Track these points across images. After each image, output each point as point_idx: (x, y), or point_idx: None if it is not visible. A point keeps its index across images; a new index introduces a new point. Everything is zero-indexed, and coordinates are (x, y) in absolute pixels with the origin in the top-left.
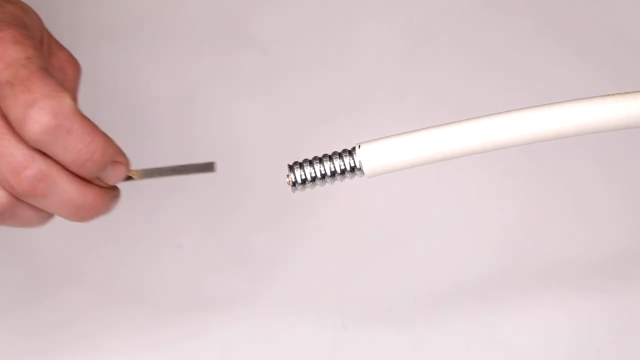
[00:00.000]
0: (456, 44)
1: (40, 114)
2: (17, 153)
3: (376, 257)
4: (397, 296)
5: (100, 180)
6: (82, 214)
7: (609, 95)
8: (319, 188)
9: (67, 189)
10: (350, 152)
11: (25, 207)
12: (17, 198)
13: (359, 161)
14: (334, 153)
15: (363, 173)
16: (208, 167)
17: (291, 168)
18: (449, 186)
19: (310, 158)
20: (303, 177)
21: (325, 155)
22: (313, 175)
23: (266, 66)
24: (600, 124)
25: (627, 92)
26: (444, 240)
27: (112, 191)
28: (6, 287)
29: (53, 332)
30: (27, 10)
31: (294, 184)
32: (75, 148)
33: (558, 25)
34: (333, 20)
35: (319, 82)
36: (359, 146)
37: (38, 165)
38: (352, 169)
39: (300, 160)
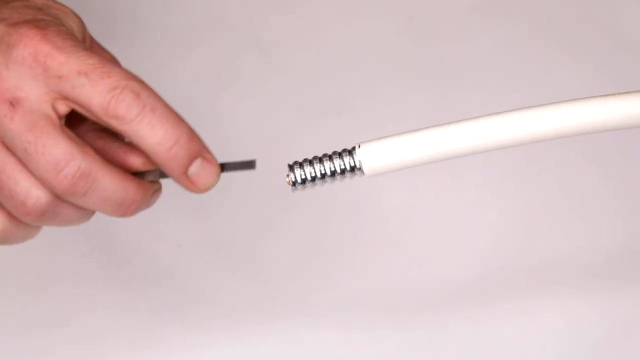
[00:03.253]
0: (456, 44)
1: (124, 93)
2: (56, 151)
3: (376, 257)
4: (397, 296)
5: (192, 182)
6: (124, 210)
7: (608, 95)
8: (319, 188)
9: (108, 186)
10: (350, 152)
11: (66, 206)
12: (58, 197)
13: (359, 161)
14: (334, 153)
15: (363, 173)
16: (249, 165)
17: (291, 168)
18: (448, 187)
19: (310, 158)
20: (303, 176)
21: (325, 155)
22: (313, 174)
23: (266, 66)
24: (599, 123)
25: (626, 92)
26: (443, 241)
27: (153, 185)
28: (6, 287)
29: (48, 332)
30: (68, 12)
31: (294, 183)
32: (163, 127)
33: (558, 25)
34: (333, 20)
35: (318, 82)
36: (359, 146)
37: (77, 162)
38: (352, 168)
39: (300, 160)
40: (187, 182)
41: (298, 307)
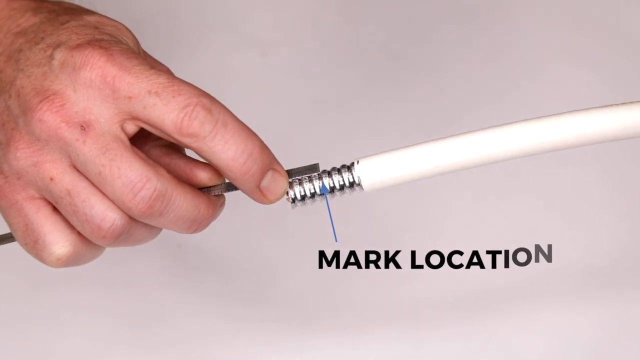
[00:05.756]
0: (455, 45)
1: (196, 110)
2: (132, 174)
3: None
4: (397, 297)
5: (263, 195)
6: (195, 227)
7: (606, 106)
8: (318, 203)
9: (182, 205)
10: (349, 168)
11: (140, 227)
12: (132, 219)
13: (358, 177)
14: (333, 169)
15: (362, 188)
16: (312, 168)
17: (290, 185)
18: (449, 188)
19: (310, 175)
20: (302, 193)
21: (324, 171)
22: (312, 191)
23: (266, 66)
24: (597, 135)
25: (623, 103)
26: (443, 242)
27: (220, 198)
28: (6, 287)
29: (50, 332)
30: (122, 29)
31: (294, 200)
32: (235, 142)
33: (558, 26)
34: (333, 20)
35: (318, 82)
36: (358, 162)
37: (153, 184)
38: (351, 184)
39: (300, 177)
40: (260, 195)
41: (298, 307)
